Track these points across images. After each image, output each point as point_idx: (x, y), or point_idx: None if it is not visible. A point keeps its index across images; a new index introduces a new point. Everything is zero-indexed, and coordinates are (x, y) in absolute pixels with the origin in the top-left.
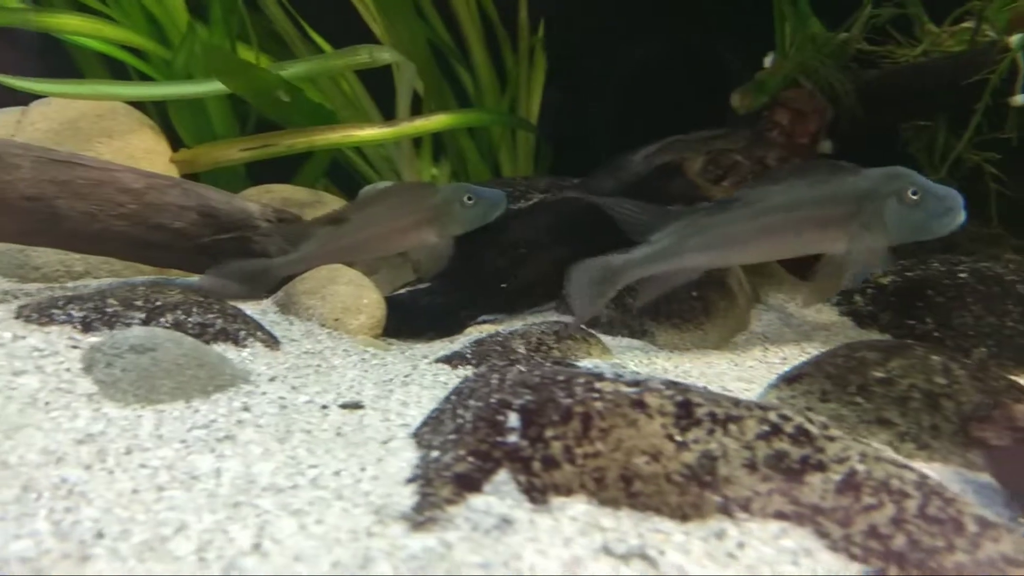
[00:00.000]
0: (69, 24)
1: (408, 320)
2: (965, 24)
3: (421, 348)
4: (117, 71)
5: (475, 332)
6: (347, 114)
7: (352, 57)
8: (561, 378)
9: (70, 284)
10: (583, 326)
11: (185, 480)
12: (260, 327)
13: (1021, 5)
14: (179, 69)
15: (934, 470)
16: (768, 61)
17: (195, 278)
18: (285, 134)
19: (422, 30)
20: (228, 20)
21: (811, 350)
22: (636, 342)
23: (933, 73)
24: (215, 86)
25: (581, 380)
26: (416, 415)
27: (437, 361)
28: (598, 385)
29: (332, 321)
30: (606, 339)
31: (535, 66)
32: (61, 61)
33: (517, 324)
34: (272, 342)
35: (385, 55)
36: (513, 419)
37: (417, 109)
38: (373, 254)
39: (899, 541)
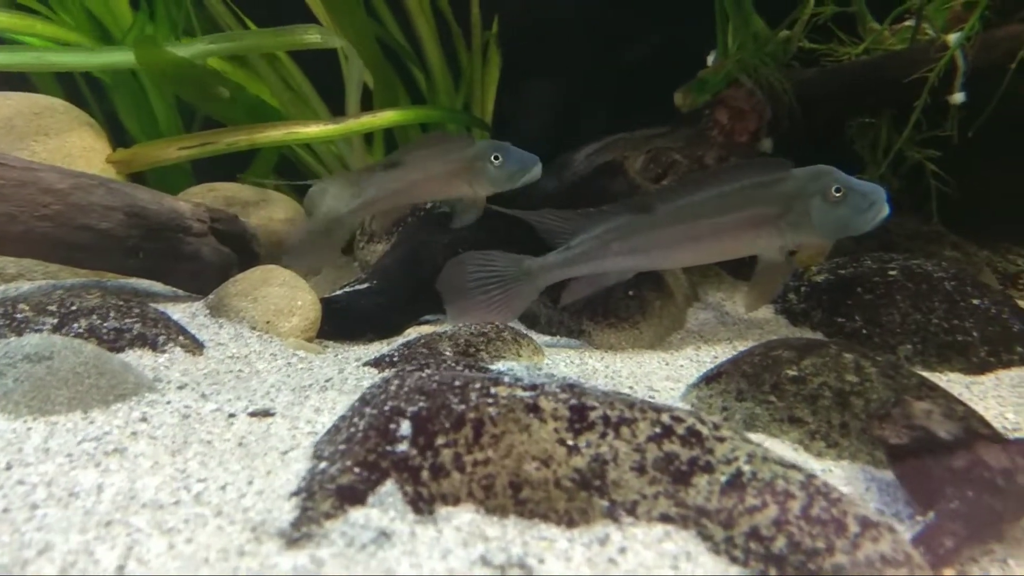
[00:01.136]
0: (1, 22)
1: (346, 322)
2: (906, 22)
3: (358, 351)
4: (64, 74)
5: (415, 333)
6: (294, 111)
7: (303, 35)
8: (457, 384)
9: (2, 287)
10: (515, 325)
11: (63, 497)
12: (183, 331)
13: (958, 4)
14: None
15: (842, 468)
16: (711, 59)
17: (133, 280)
18: (226, 132)
19: (369, 24)
20: (173, 16)
21: (743, 348)
22: (573, 341)
23: (874, 71)
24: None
25: (477, 385)
26: (327, 422)
27: (366, 365)
28: (494, 390)
29: (263, 324)
30: (544, 339)
31: (489, 63)
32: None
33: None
34: (195, 347)
35: (336, 39)
36: (405, 427)
37: (369, 106)
38: (420, 199)
39: (780, 543)
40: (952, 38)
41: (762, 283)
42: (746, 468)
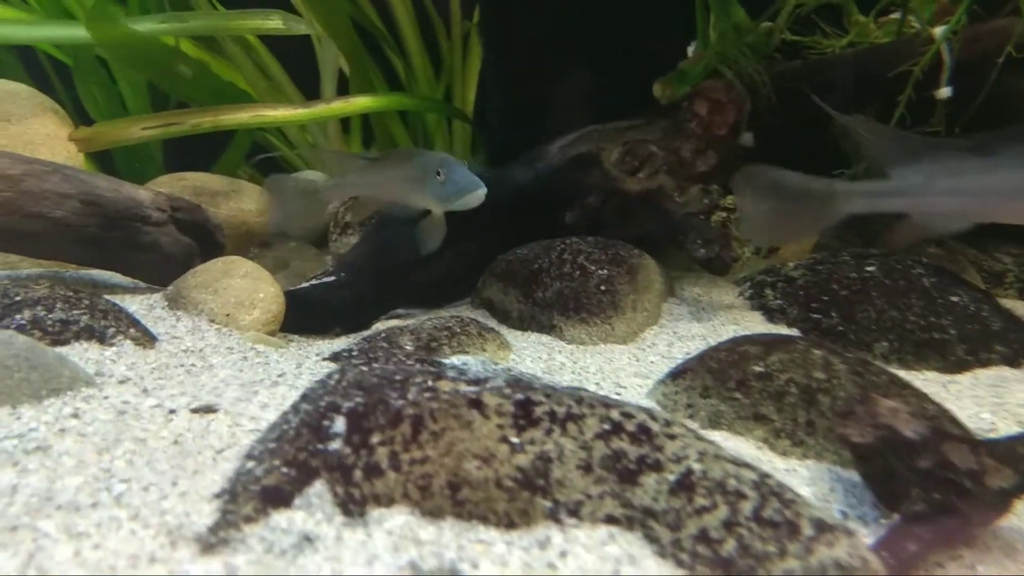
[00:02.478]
0: None
1: (311, 315)
2: (892, 15)
3: (322, 345)
4: (31, 60)
5: (383, 328)
6: (268, 99)
7: (263, 20)
8: (398, 378)
9: None
10: (485, 320)
11: None
12: (135, 323)
13: None
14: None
15: (807, 468)
16: (691, 50)
17: (93, 271)
18: (190, 113)
19: (345, 8)
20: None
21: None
22: (544, 337)
23: (858, 64)
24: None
25: (418, 379)
26: (273, 419)
27: (325, 360)
28: (435, 384)
29: (223, 317)
30: (514, 334)
31: (470, 53)
32: None
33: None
34: (146, 340)
35: (301, 25)
36: (339, 424)
37: (345, 94)
38: (387, 196)
39: (729, 546)
40: (938, 31)
41: None
42: (696, 467)
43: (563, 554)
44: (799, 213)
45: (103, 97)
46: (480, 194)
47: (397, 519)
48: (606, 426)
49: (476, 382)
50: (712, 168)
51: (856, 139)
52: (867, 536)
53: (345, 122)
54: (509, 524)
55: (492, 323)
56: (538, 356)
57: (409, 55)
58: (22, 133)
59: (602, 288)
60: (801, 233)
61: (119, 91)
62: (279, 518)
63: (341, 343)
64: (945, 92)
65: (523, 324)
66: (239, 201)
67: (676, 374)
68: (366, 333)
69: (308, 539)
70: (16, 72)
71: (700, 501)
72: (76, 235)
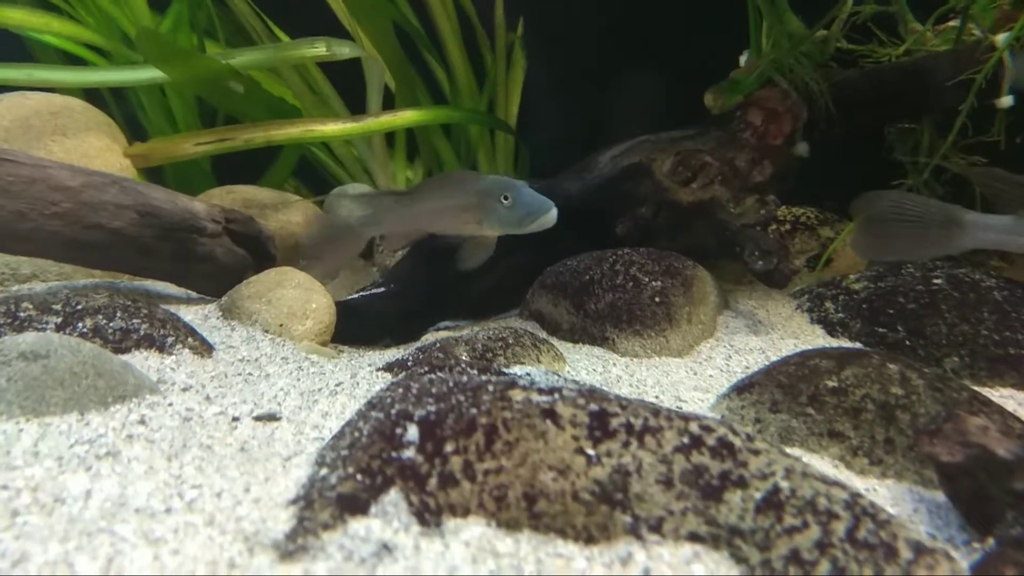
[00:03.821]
0: (12, 18)
1: (361, 326)
2: (951, 23)
3: (373, 356)
4: None
5: (432, 339)
6: (316, 114)
7: (308, 49)
8: (470, 386)
9: (15, 288)
10: (536, 331)
11: (47, 504)
12: (193, 333)
13: (1006, 3)
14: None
15: (887, 487)
16: (743, 60)
17: (147, 282)
18: (242, 128)
19: (391, 23)
20: (194, 16)
21: (777, 359)
22: (596, 349)
23: (917, 73)
24: (155, 73)
25: (491, 388)
26: (335, 428)
27: (379, 370)
28: (508, 394)
29: (276, 327)
30: (565, 346)
31: (514, 65)
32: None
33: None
34: (204, 349)
35: (345, 49)
36: (412, 432)
37: (391, 108)
38: (433, 229)
39: (823, 568)
40: (1000, 38)
41: None
42: (784, 484)
43: (646, 572)
44: (921, 239)
45: (154, 111)
46: (553, 214)
47: (474, 530)
48: (685, 439)
49: (549, 392)
50: (768, 179)
51: (988, 191)
52: (961, 561)
53: (389, 137)
54: (588, 539)
55: (542, 335)
56: (593, 368)
57: (453, 68)
58: (78, 146)
59: (656, 300)
60: (918, 258)
61: (169, 105)
62: (356, 526)
63: (392, 353)
64: (1007, 101)
65: (574, 336)
66: (288, 214)
67: (741, 388)
68: (417, 344)
69: (387, 548)
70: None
71: (790, 520)
72: (134, 246)
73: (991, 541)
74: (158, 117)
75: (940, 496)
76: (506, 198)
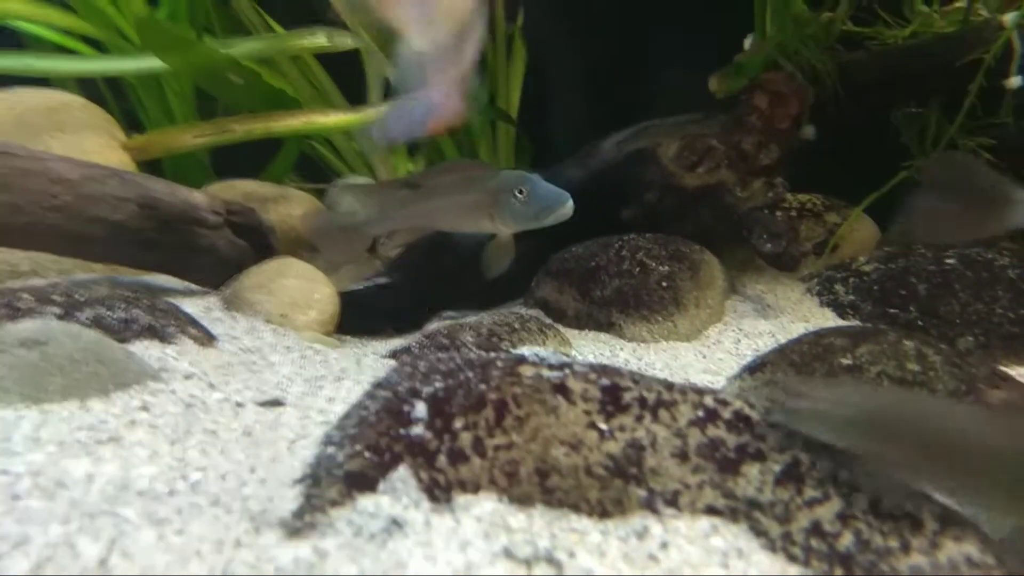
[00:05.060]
0: (11, 9)
1: (365, 316)
2: (957, 3)
3: (377, 345)
4: None
5: (440, 326)
6: (315, 106)
7: (309, 39)
8: (478, 363)
9: (14, 284)
10: (541, 317)
11: (49, 488)
12: (194, 323)
13: None
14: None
15: None
16: (747, 43)
17: (148, 276)
18: (241, 119)
19: None
20: (193, 12)
21: (787, 342)
22: (603, 335)
23: (924, 55)
24: (154, 62)
25: (499, 364)
26: (341, 412)
27: (384, 357)
28: (518, 369)
29: (279, 317)
30: (572, 332)
31: (514, 56)
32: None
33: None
34: (206, 339)
35: (346, 39)
36: (420, 408)
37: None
38: (439, 227)
39: (846, 540)
40: (1008, 18)
41: None
42: (803, 457)
43: (664, 545)
44: (977, 213)
45: (152, 106)
46: (570, 206)
47: (485, 505)
48: (700, 413)
49: (559, 367)
50: (774, 161)
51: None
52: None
53: None
54: (603, 513)
55: (548, 321)
56: (600, 353)
57: None
58: (77, 142)
59: (663, 285)
60: (967, 236)
61: (167, 100)
62: (365, 502)
63: (397, 342)
64: (1016, 81)
65: (580, 323)
66: (288, 207)
67: (754, 368)
68: (422, 332)
69: (397, 523)
70: (67, 82)
71: (810, 493)
72: (135, 238)
73: None
74: (156, 112)
75: None
76: (521, 192)
